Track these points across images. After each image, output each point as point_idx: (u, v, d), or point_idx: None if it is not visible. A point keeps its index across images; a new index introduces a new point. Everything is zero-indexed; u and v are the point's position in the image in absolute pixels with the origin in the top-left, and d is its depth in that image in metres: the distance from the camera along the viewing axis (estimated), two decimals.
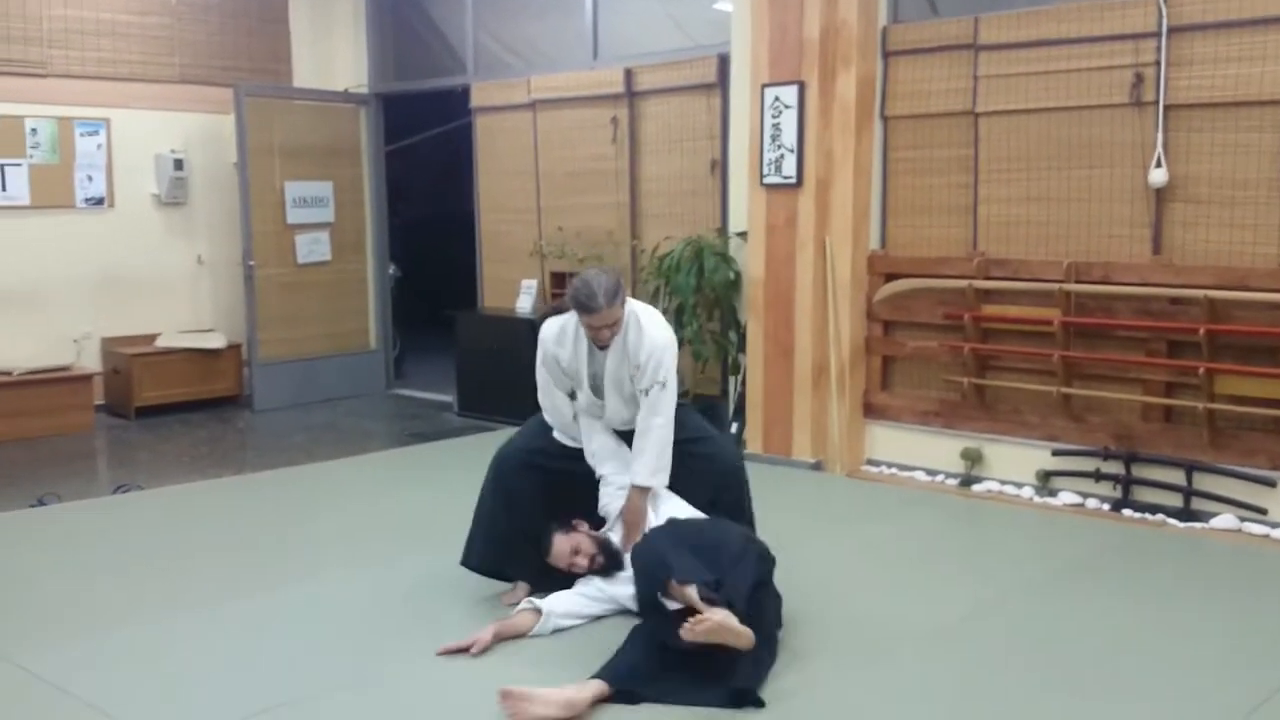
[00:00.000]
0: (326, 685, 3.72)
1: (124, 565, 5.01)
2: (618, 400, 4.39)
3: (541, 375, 4.51)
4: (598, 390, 4.41)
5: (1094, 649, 4.02)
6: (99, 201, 8.72)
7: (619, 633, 3.88)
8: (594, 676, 3.57)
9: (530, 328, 8.23)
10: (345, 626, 4.25)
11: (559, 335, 4.45)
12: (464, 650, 3.91)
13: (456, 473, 6.75)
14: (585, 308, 4.19)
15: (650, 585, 3.74)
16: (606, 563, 4.16)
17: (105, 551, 5.22)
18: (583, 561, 4.17)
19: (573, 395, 4.50)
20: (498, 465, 4.52)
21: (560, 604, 4.11)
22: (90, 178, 8.65)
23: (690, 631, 3.47)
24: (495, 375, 8.44)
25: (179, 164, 8.96)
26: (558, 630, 4.06)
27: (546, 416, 4.55)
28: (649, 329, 4.32)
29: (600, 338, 4.28)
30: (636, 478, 4.29)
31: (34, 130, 8.37)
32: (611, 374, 4.36)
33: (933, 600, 4.49)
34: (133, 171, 8.85)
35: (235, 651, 4.02)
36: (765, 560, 3.94)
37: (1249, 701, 3.58)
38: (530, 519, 4.35)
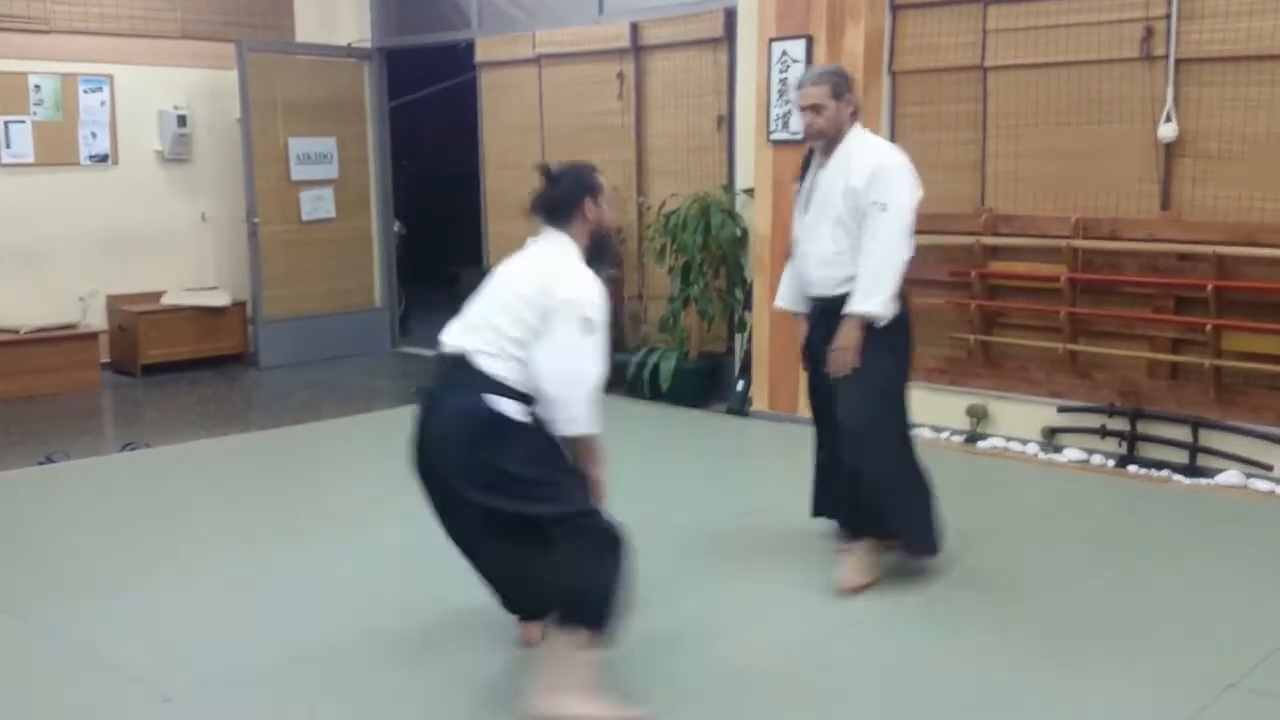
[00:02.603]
0: (340, 640, 3.76)
1: (133, 523, 5.05)
2: (821, 222, 4.17)
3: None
4: (806, 208, 4.24)
5: (1098, 604, 4.04)
6: (103, 158, 8.69)
7: None
8: None
9: None
10: (356, 581, 4.28)
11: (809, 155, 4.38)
12: None
13: None
14: (797, 84, 4.30)
15: None
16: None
17: (114, 509, 5.25)
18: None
19: None
20: None
21: None
22: (94, 134, 8.62)
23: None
24: None
25: (182, 120, 8.92)
26: None
27: None
28: (876, 149, 4.18)
29: (803, 121, 4.20)
30: (850, 305, 4.07)
31: (37, 87, 8.33)
32: (824, 189, 4.18)
33: (936, 557, 4.51)
34: (136, 128, 8.82)
35: (248, 607, 4.06)
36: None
37: (1253, 656, 3.60)
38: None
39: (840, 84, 4.15)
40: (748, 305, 7.11)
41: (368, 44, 9.63)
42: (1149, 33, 5.68)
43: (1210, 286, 5.44)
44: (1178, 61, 5.61)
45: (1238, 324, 5.48)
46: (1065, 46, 5.96)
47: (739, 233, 7.10)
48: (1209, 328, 5.49)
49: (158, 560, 4.54)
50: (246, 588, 4.24)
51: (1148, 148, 5.77)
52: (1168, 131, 5.63)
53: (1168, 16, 5.62)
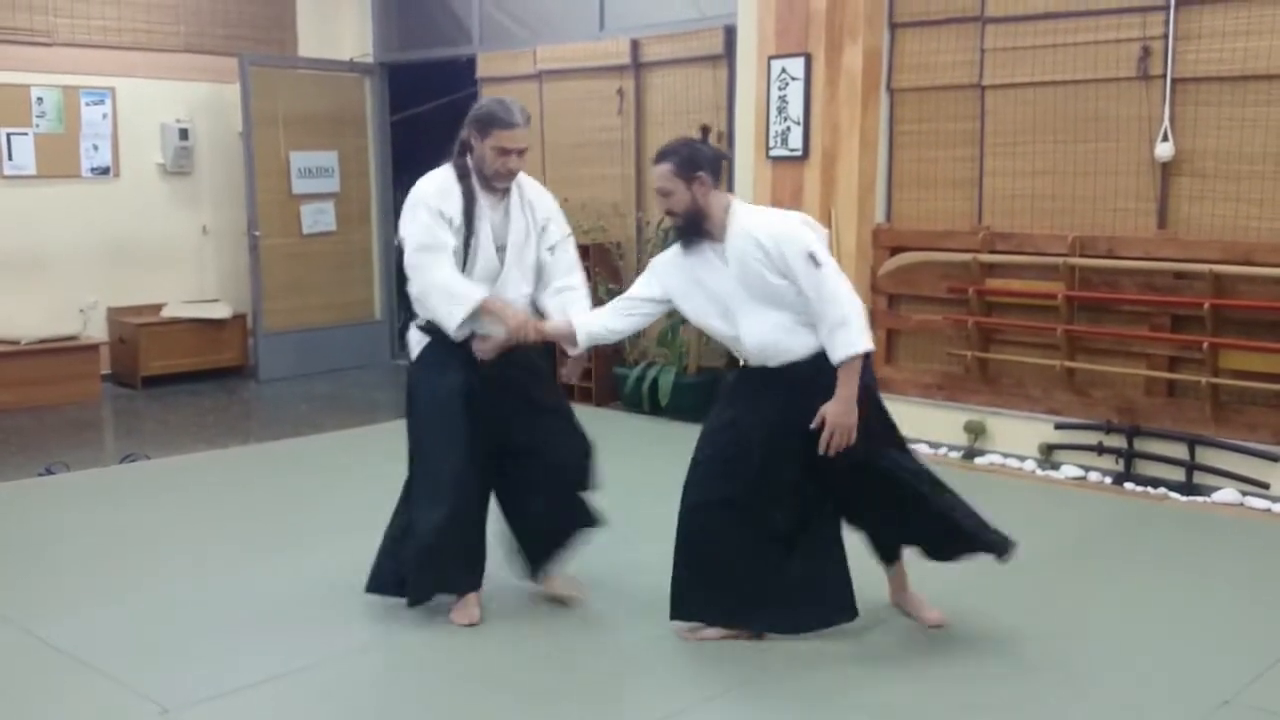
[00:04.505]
0: (339, 651, 3.77)
1: (133, 534, 5.05)
2: (518, 274, 3.99)
3: (420, 232, 3.84)
4: (497, 267, 3.93)
5: (1095, 621, 4.05)
6: (105, 171, 8.72)
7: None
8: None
9: None
10: (356, 593, 4.28)
11: (441, 191, 3.89)
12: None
13: None
14: (503, 121, 3.80)
15: None
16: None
17: (114, 521, 5.26)
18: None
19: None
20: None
21: (594, 320, 3.94)
22: (96, 147, 8.65)
23: None
24: None
25: (184, 133, 8.95)
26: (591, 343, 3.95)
27: (425, 279, 3.84)
28: (535, 185, 4.10)
29: (508, 165, 3.84)
30: (579, 319, 3.92)
31: (40, 99, 8.36)
32: (517, 240, 3.96)
33: (931, 573, 4.51)
34: (138, 141, 8.84)
35: (247, 619, 4.06)
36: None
37: (1249, 672, 3.61)
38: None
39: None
40: None
41: (369, 58, 9.67)
42: (1146, 52, 5.72)
43: (1207, 305, 5.46)
44: (1174, 81, 5.65)
45: (1234, 342, 5.50)
46: (1063, 65, 6.00)
47: None
48: (1205, 346, 5.51)
49: (157, 572, 4.55)
50: (245, 599, 4.24)
51: (1144, 166, 5.80)
52: (1164, 150, 5.66)
53: (1165, 36, 5.65)
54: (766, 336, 3.64)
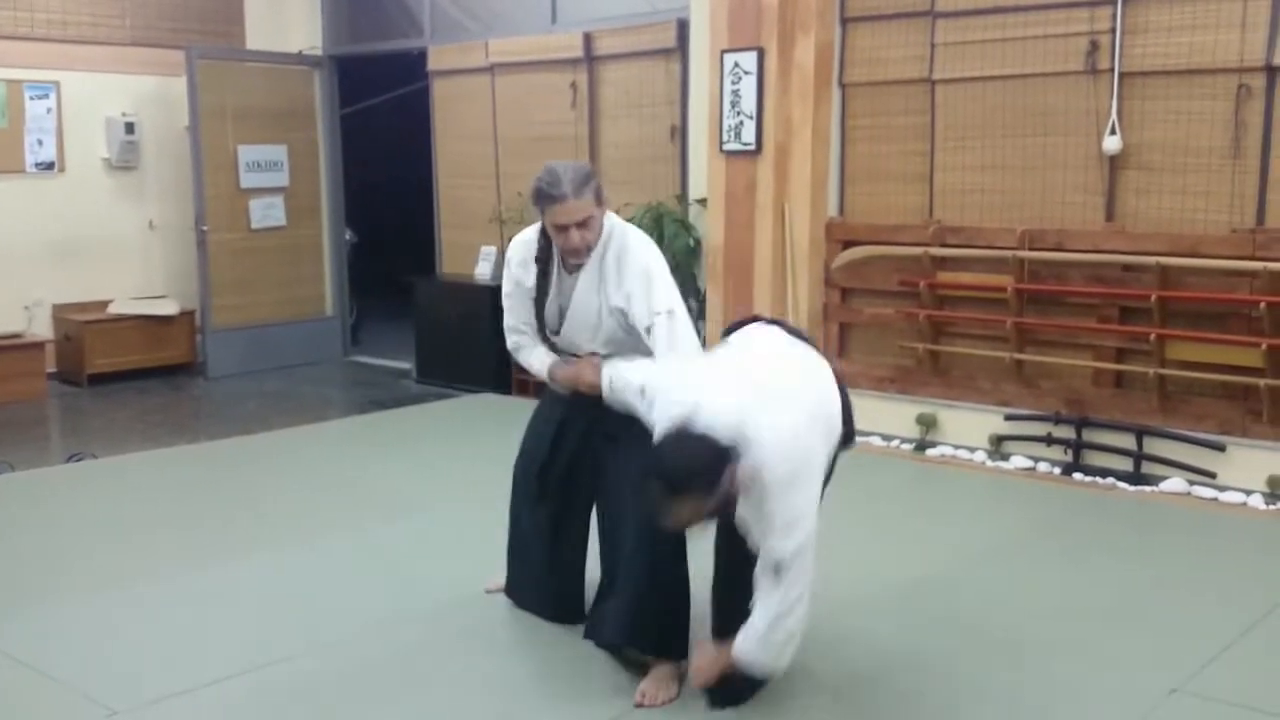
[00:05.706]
0: (288, 653, 3.73)
1: (79, 535, 4.98)
2: (584, 341, 3.65)
3: (506, 303, 3.79)
4: (555, 329, 3.67)
5: (1045, 611, 4.09)
6: (49, 166, 8.57)
7: None
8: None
9: (491, 294, 8.24)
10: (304, 595, 4.25)
11: (524, 252, 3.69)
12: None
13: (417, 441, 6.75)
14: (548, 196, 3.42)
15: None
16: None
17: (59, 521, 5.18)
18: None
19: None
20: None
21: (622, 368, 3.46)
22: (40, 142, 8.51)
23: None
24: (454, 342, 8.41)
25: (130, 127, 8.82)
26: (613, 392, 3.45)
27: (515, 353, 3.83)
28: (636, 247, 3.55)
29: (570, 242, 3.46)
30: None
31: None
32: (580, 304, 3.57)
33: (885, 563, 4.54)
34: (83, 135, 8.71)
35: (195, 621, 4.01)
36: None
37: (1197, 661, 3.66)
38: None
39: (597, 187, 3.48)
40: (701, 315, 7.13)
41: (319, 51, 9.58)
42: (1094, 46, 5.77)
43: (1154, 297, 5.52)
44: (1122, 75, 5.71)
45: (1181, 334, 5.57)
46: (1012, 60, 6.04)
47: (692, 243, 7.12)
48: (1153, 337, 5.58)
49: (103, 573, 4.48)
50: (193, 601, 4.20)
51: (1093, 160, 5.86)
52: (1112, 144, 5.72)
53: (1113, 30, 5.71)
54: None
